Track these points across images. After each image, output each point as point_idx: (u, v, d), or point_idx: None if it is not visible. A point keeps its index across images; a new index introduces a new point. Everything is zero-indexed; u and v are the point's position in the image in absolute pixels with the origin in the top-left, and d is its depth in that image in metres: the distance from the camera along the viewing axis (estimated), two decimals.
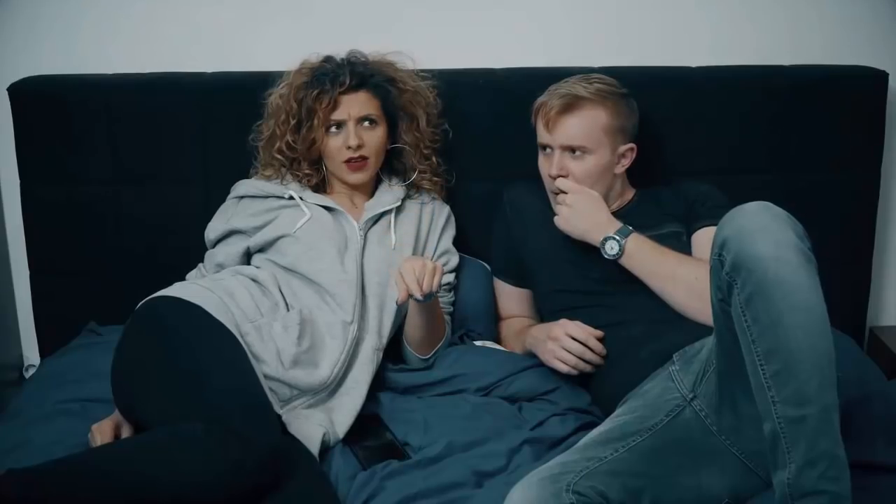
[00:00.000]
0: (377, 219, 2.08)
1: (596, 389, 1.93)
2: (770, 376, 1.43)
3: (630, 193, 2.10)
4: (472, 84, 2.26)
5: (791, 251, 1.44)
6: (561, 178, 1.98)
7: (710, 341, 1.68)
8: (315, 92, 2.03)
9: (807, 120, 2.27)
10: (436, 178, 2.17)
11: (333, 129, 2.05)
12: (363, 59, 2.11)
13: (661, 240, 1.96)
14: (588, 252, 1.96)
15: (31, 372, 2.34)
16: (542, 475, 1.58)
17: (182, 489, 1.51)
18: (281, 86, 2.09)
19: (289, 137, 2.06)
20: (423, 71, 2.16)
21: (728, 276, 1.48)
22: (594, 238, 1.94)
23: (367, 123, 2.06)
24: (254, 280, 1.96)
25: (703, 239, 1.96)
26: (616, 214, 2.01)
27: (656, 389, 1.73)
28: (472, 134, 2.24)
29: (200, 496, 1.52)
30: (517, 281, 2.16)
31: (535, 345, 1.97)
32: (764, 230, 1.46)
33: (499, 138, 2.25)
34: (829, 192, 2.30)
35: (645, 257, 1.90)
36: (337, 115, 2.04)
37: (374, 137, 2.07)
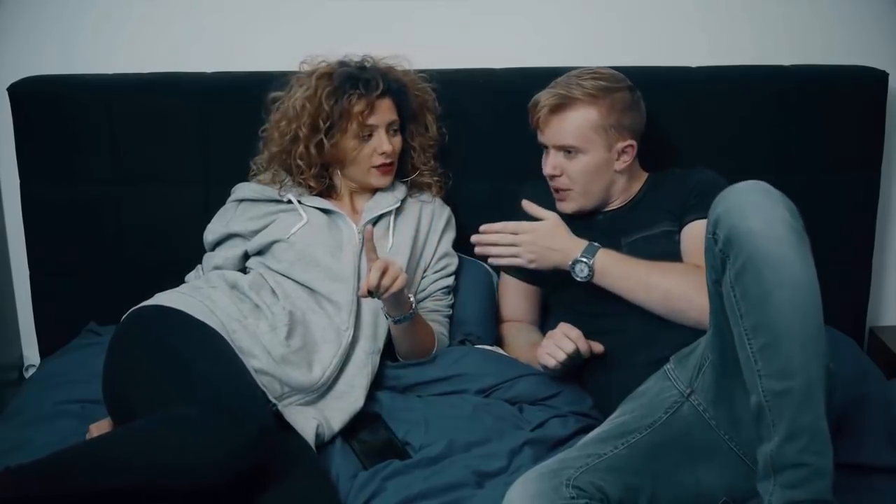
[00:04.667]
0: (376, 220, 2.08)
1: (596, 396, 1.94)
2: (756, 350, 1.44)
3: (638, 185, 2.06)
4: (472, 84, 2.26)
5: (782, 227, 1.45)
6: (514, 223, 1.93)
7: (705, 337, 1.68)
8: (352, 97, 2.01)
9: (807, 120, 2.27)
10: (436, 177, 2.18)
11: (366, 134, 2.04)
12: (380, 65, 2.10)
13: (653, 240, 1.95)
14: None
15: (31, 372, 2.34)
16: (541, 470, 1.59)
17: (179, 472, 1.52)
18: (302, 89, 2.05)
19: (323, 139, 2.03)
20: (421, 71, 2.16)
21: (721, 252, 1.49)
22: (564, 265, 1.89)
23: (393, 129, 2.07)
24: (232, 287, 1.98)
25: (688, 234, 1.95)
26: (613, 213, 2.01)
27: (654, 389, 1.74)
28: (471, 134, 2.24)
29: (198, 477, 1.52)
30: (525, 276, 2.13)
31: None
32: (755, 206, 1.47)
33: (498, 138, 2.25)
34: (829, 192, 2.30)
35: (617, 273, 1.87)
36: (372, 121, 2.03)
37: (398, 143, 2.09)
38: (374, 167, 2.06)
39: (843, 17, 2.35)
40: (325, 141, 2.03)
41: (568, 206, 2.02)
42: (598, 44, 2.34)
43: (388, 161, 2.06)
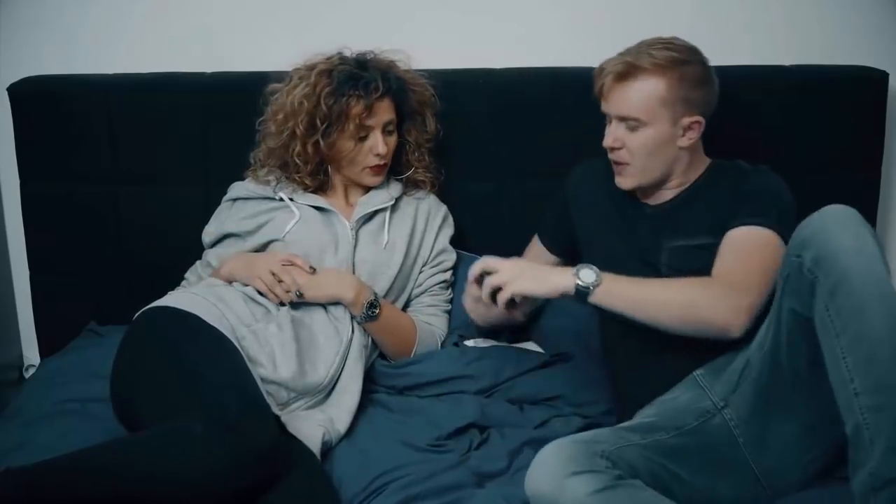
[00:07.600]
0: (370, 217, 2.08)
1: (620, 391, 1.89)
2: (852, 367, 1.46)
3: (697, 172, 1.91)
4: (472, 84, 2.26)
5: (871, 243, 1.50)
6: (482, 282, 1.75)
7: (746, 352, 1.69)
8: (351, 98, 2.00)
9: (807, 120, 2.27)
10: (429, 174, 2.17)
11: (363, 135, 2.03)
12: (380, 61, 2.08)
13: (691, 252, 1.82)
14: (625, 255, 1.87)
15: (31, 372, 2.34)
16: (574, 439, 1.61)
17: (181, 485, 1.51)
18: (301, 84, 2.04)
19: (318, 139, 2.02)
20: (421, 71, 2.16)
21: (810, 272, 1.51)
22: (563, 281, 1.67)
23: (389, 129, 2.06)
24: (244, 286, 1.98)
25: (726, 240, 1.78)
26: (663, 208, 1.90)
27: (685, 396, 1.75)
28: (470, 134, 2.24)
29: (199, 492, 1.52)
30: (559, 251, 2.06)
31: None
32: (843, 225, 1.52)
33: (498, 138, 2.25)
34: (829, 192, 2.27)
35: (622, 288, 1.69)
36: (369, 122, 2.02)
37: (393, 143, 2.08)
38: (367, 167, 2.06)
39: (843, 17, 2.35)
40: (322, 140, 2.02)
41: (626, 182, 1.88)
42: (598, 44, 2.31)
43: (382, 162, 2.06)
